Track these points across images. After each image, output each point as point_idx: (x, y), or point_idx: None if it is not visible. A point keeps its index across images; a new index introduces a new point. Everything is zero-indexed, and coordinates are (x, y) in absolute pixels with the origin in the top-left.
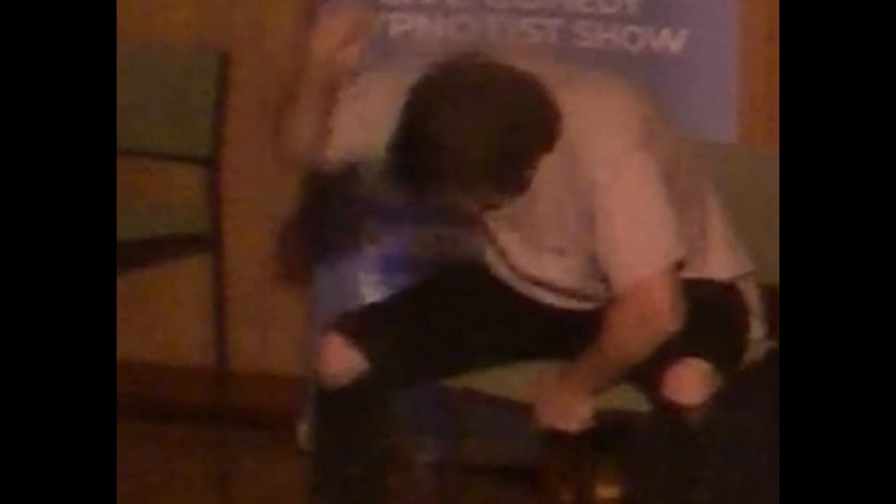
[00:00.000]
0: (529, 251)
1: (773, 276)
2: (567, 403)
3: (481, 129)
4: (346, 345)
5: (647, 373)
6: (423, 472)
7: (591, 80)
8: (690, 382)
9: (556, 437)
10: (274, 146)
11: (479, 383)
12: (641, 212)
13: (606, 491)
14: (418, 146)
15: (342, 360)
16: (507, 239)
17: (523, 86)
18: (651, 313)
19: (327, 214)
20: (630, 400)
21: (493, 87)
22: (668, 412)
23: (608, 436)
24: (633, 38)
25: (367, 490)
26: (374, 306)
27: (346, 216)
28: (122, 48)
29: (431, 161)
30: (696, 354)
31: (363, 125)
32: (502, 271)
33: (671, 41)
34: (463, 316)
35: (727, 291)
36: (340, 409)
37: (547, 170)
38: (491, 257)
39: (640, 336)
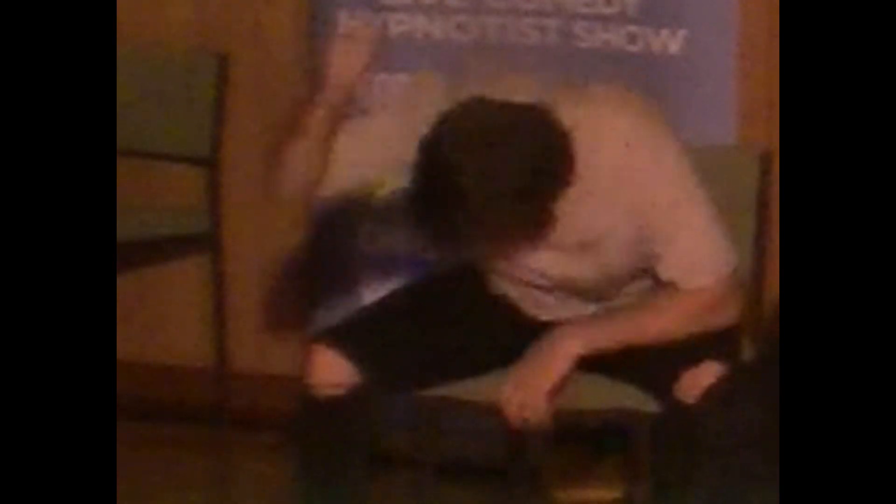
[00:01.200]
0: (549, 250)
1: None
2: (535, 393)
3: (507, 175)
4: (336, 356)
5: (659, 375)
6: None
7: (603, 96)
8: (706, 385)
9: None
10: (271, 181)
11: (461, 392)
12: (705, 223)
13: (606, 491)
14: (443, 198)
15: (332, 372)
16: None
17: (542, 123)
18: (717, 308)
19: (325, 258)
20: (635, 400)
21: (513, 129)
22: (680, 414)
23: (608, 436)
24: (632, 39)
25: (355, 494)
26: (363, 316)
27: (345, 256)
28: (121, 48)
29: (458, 212)
30: (710, 356)
31: (363, 157)
32: (496, 277)
33: (670, 42)
34: (453, 325)
35: None
36: (329, 418)
37: (581, 194)
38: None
39: (696, 326)
